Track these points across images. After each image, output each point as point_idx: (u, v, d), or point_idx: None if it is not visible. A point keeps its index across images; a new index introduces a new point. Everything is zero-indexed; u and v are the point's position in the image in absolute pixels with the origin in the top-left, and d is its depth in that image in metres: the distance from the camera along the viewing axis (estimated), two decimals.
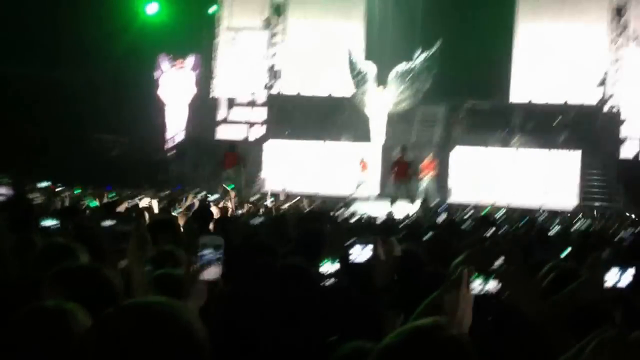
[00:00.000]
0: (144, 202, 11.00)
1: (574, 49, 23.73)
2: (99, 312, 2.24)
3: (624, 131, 23.64)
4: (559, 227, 12.00)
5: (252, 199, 17.25)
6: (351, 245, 3.93)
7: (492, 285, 2.72)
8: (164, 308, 1.70)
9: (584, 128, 22.53)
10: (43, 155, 19.63)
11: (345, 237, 5.50)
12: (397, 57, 22.72)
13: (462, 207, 16.81)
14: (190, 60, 26.43)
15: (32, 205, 8.08)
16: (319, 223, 7.93)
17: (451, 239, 6.28)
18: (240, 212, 11.78)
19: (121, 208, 9.14)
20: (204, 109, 26.31)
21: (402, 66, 22.43)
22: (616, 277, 3.27)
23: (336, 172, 22.11)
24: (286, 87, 25.44)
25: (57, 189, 14.57)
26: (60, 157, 19.97)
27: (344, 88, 23.54)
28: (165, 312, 1.69)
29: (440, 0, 23.62)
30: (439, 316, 2.30)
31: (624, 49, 23.91)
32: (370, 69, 22.51)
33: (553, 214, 17.30)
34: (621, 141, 23.56)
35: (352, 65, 22.79)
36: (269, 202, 16.35)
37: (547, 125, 22.77)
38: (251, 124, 25.93)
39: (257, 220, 8.00)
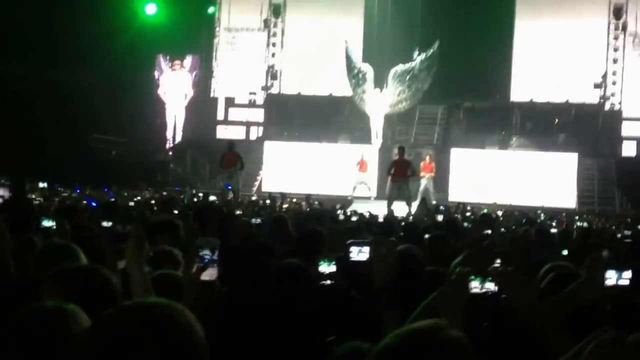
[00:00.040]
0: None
1: (573, 49, 23.76)
2: (98, 313, 2.24)
3: (623, 130, 23.67)
4: (558, 227, 12.00)
5: (251, 199, 17.25)
6: (349, 246, 3.93)
7: (491, 286, 2.72)
8: (162, 310, 1.70)
9: (583, 127, 22.55)
10: (41, 156, 19.63)
11: (344, 237, 5.51)
12: (396, 57, 22.73)
13: (461, 208, 16.77)
14: (188, 61, 26.43)
15: (32, 206, 8.08)
16: (318, 223, 7.93)
17: (450, 238, 6.28)
18: (238, 212, 11.76)
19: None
20: (202, 109, 26.32)
21: (401, 66, 22.44)
22: (615, 277, 3.28)
23: (335, 172, 22.11)
24: (285, 87, 25.45)
25: (56, 189, 14.59)
26: (59, 157, 19.97)
27: (342, 88, 23.55)
28: (164, 314, 1.69)
29: (439, 1, 23.62)
30: (438, 318, 2.30)
31: (624, 48, 23.92)
32: (368, 69, 22.51)
33: (552, 214, 17.31)
34: (621, 140, 23.58)
35: (349, 64, 22.78)
36: (267, 202, 16.34)
37: (546, 125, 22.79)
38: (250, 124, 25.94)
39: (256, 221, 7.98)
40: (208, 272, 3.02)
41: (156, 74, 26.41)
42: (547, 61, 23.89)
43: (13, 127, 20.41)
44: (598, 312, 2.98)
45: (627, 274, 3.31)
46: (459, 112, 23.63)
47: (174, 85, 26.43)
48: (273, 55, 25.93)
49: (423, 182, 20.37)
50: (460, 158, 21.96)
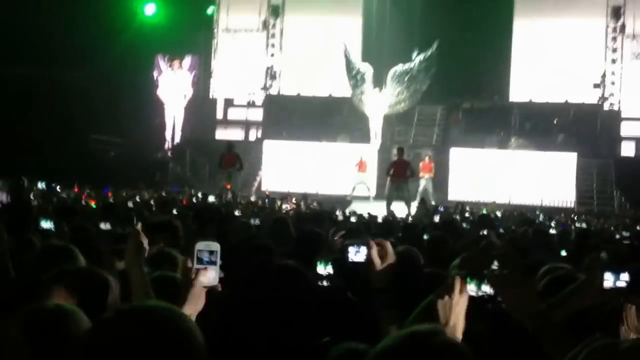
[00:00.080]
0: None
1: (572, 49, 23.77)
2: (96, 315, 2.24)
3: (623, 131, 23.69)
4: (557, 227, 12.00)
5: (250, 199, 17.25)
6: (347, 246, 3.94)
7: (487, 289, 2.72)
8: (161, 313, 1.71)
9: (582, 128, 22.56)
10: (40, 156, 19.60)
11: (343, 237, 5.51)
12: (395, 57, 22.74)
13: (460, 208, 16.79)
14: (187, 61, 26.43)
15: (30, 207, 8.08)
16: (317, 224, 7.93)
17: (449, 239, 6.28)
18: (237, 212, 11.76)
19: None
20: (202, 109, 26.32)
21: (400, 67, 22.45)
22: (614, 279, 3.28)
23: (334, 172, 22.11)
24: (284, 87, 25.45)
25: (56, 189, 14.58)
26: (57, 157, 19.94)
27: (341, 89, 23.56)
28: (163, 317, 1.69)
29: (438, 1, 23.63)
30: (435, 321, 2.31)
31: (623, 48, 23.93)
32: (367, 69, 22.53)
33: (551, 214, 17.32)
34: (620, 140, 23.60)
35: (348, 65, 22.81)
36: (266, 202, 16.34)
37: (545, 125, 22.80)
38: (249, 125, 25.94)
39: (255, 221, 7.99)
40: (210, 276, 3.02)
41: (155, 74, 26.41)
42: (546, 62, 23.90)
43: (11, 127, 20.38)
44: (596, 314, 2.99)
45: (625, 276, 3.31)
46: (458, 113, 23.64)
47: (173, 85, 26.43)
48: (272, 55, 25.93)
49: (422, 183, 20.38)
50: (460, 158, 21.97)
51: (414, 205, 17.55)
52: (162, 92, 26.42)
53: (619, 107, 23.78)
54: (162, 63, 26.37)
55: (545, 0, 24.23)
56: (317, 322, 3.04)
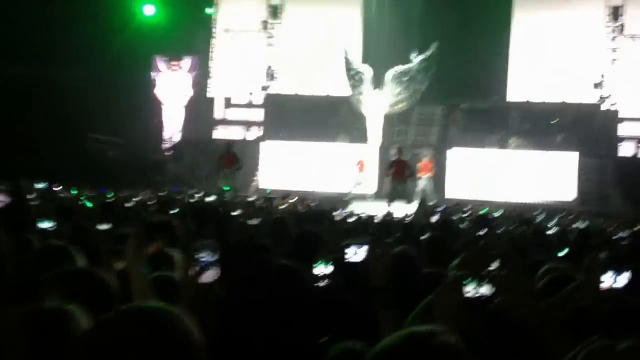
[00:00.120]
0: None
1: (571, 50, 23.78)
2: (95, 315, 2.24)
3: (622, 131, 23.69)
4: (557, 227, 12.00)
5: (249, 199, 17.23)
6: (347, 246, 3.94)
7: (487, 289, 2.72)
8: (161, 314, 1.71)
9: (581, 128, 22.56)
10: (38, 156, 19.60)
11: (342, 237, 5.52)
12: (394, 58, 22.74)
13: (460, 208, 16.80)
14: (188, 61, 26.43)
15: (30, 207, 8.07)
16: (316, 224, 7.94)
17: (447, 239, 6.29)
18: (235, 213, 11.75)
19: None
20: (201, 110, 26.31)
21: (400, 67, 22.47)
22: (613, 279, 3.28)
23: (333, 173, 22.12)
24: (283, 87, 25.44)
25: (55, 190, 14.56)
26: (56, 157, 19.93)
27: (341, 89, 23.57)
28: (162, 318, 1.69)
29: (437, 1, 23.63)
30: (434, 321, 2.31)
31: (622, 48, 23.94)
32: (366, 71, 22.55)
33: (551, 214, 17.30)
34: (619, 141, 23.60)
35: (348, 67, 22.84)
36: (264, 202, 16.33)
37: (544, 126, 22.80)
38: (248, 125, 25.94)
39: (254, 221, 7.99)
40: (207, 275, 3.03)
41: (154, 74, 26.40)
42: (546, 62, 23.91)
43: (9, 127, 20.37)
44: (595, 314, 2.99)
45: (625, 276, 3.31)
46: (458, 113, 23.65)
47: (172, 85, 26.43)
48: (271, 56, 25.93)
49: (422, 183, 20.39)
50: (459, 158, 21.98)
51: (414, 205, 17.56)
52: (160, 93, 26.41)
53: (619, 108, 23.76)
54: (161, 64, 26.36)
55: (544, 1, 24.23)
56: (316, 322, 3.04)
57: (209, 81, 26.37)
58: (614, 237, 9.74)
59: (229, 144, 20.92)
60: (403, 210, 16.32)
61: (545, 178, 21.37)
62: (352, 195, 20.54)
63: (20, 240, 4.34)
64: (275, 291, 3.11)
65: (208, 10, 26.27)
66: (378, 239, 5.51)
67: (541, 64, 23.87)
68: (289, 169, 22.42)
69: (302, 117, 23.38)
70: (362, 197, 20.51)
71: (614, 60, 23.93)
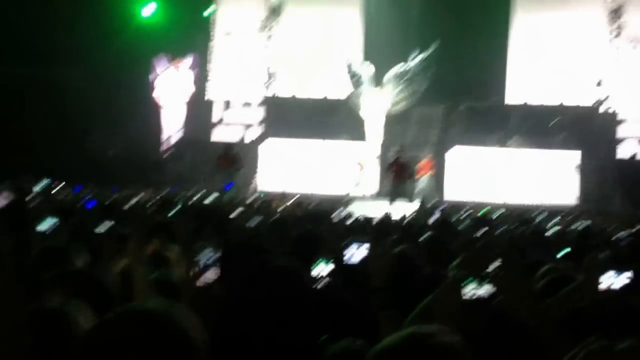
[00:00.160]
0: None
1: (570, 50, 23.77)
2: (95, 315, 2.25)
3: (621, 132, 23.68)
4: (557, 227, 12.01)
5: (247, 200, 17.23)
6: (346, 246, 3.95)
7: (486, 289, 2.73)
8: (162, 313, 1.71)
9: (581, 129, 22.55)
10: (37, 156, 19.59)
11: (340, 237, 5.52)
12: (394, 58, 22.75)
13: (459, 208, 16.82)
14: (189, 60, 26.41)
15: (29, 207, 8.08)
16: (316, 224, 7.94)
17: (446, 239, 6.29)
18: (235, 213, 11.75)
19: None
20: (201, 110, 26.30)
21: (399, 67, 22.48)
22: (613, 279, 3.28)
23: (333, 173, 22.13)
24: (283, 88, 25.42)
25: (55, 189, 14.58)
26: (56, 157, 19.93)
27: (341, 89, 23.56)
28: (164, 318, 1.69)
29: (437, 2, 23.63)
30: (434, 321, 2.31)
31: (622, 49, 23.93)
32: (367, 70, 22.56)
33: (551, 214, 17.31)
34: (618, 142, 23.59)
35: (348, 67, 22.87)
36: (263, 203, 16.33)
37: (543, 127, 22.79)
38: (247, 125, 25.93)
39: (254, 222, 7.98)
40: (206, 275, 3.04)
41: (154, 74, 26.38)
42: (545, 63, 23.90)
43: (8, 127, 20.36)
44: (595, 314, 2.99)
45: (625, 276, 3.32)
46: (457, 113, 23.64)
47: (173, 85, 26.40)
48: (270, 56, 25.91)
49: (422, 183, 20.41)
50: (459, 158, 21.99)
51: (414, 205, 17.59)
52: (161, 92, 26.39)
53: (619, 108, 23.74)
54: (162, 62, 26.34)
55: (544, 2, 24.23)
56: (315, 322, 3.04)
57: (208, 83, 26.35)
58: (614, 237, 9.74)
59: (229, 144, 20.92)
60: (403, 210, 16.33)
61: (545, 178, 21.38)
62: (351, 195, 20.55)
63: (20, 240, 4.34)
64: (274, 291, 3.11)
65: (206, 12, 26.24)
66: (377, 238, 5.52)
67: (541, 64, 23.86)
68: (288, 170, 22.43)
69: (302, 117, 23.37)
70: (361, 197, 20.53)
71: (614, 61, 23.91)
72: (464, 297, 2.69)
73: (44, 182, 14.92)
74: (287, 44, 25.63)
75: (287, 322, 2.97)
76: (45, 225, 5.27)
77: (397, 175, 19.33)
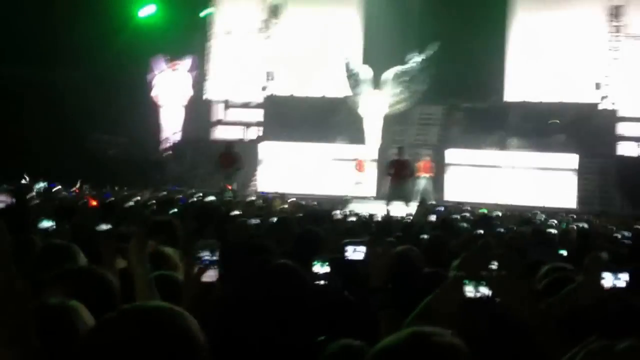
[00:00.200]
0: None
1: (570, 49, 23.77)
2: (97, 314, 2.25)
3: (621, 131, 23.68)
4: (557, 227, 12.01)
5: (247, 199, 17.23)
6: (346, 245, 3.95)
7: (486, 289, 2.73)
8: (163, 313, 1.71)
9: (581, 128, 22.55)
10: (37, 156, 19.58)
11: (341, 237, 5.52)
12: (393, 58, 22.76)
13: (459, 208, 16.82)
14: (187, 61, 26.42)
15: (30, 206, 8.08)
16: (316, 223, 7.94)
17: (446, 239, 6.30)
18: (236, 212, 11.75)
19: None
20: (201, 110, 26.31)
21: (399, 67, 22.49)
22: (613, 279, 3.29)
23: (332, 174, 22.14)
24: (282, 88, 25.43)
25: (55, 189, 14.56)
26: (56, 157, 19.92)
27: (340, 90, 23.58)
28: (164, 317, 1.70)
29: (436, 2, 23.63)
30: (434, 321, 2.31)
31: (622, 48, 23.93)
32: (366, 72, 22.58)
33: (551, 214, 17.31)
34: (618, 140, 23.59)
35: (347, 67, 22.89)
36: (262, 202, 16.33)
37: (543, 126, 22.79)
38: (247, 125, 25.94)
39: (253, 222, 7.99)
40: (208, 274, 3.04)
41: (153, 74, 26.39)
42: (544, 62, 23.91)
43: (7, 127, 20.35)
44: (595, 314, 2.99)
45: (625, 276, 3.32)
46: (457, 113, 23.65)
47: (172, 85, 26.42)
48: (270, 56, 25.91)
49: (422, 183, 20.41)
50: (459, 158, 21.99)
51: (414, 205, 17.58)
52: (159, 93, 26.40)
53: (619, 107, 23.74)
54: (160, 63, 26.35)
55: (543, 0, 24.24)
56: (314, 322, 3.05)
57: (206, 83, 26.36)
58: (614, 237, 9.75)
59: (229, 144, 20.89)
60: (402, 210, 16.34)
61: (545, 179, 21.38)
62: (351, 195, 20.55)
63: (21, 240, 4.34)
64: (273, 290, 3.12)
65: (204, 13, 26.24)
66: (377, 238, 5.52)
67: (540, 63, 23.86)
68: (288, 170, 22.43)
69: (301, 117, 23.36)
70: (361, 197, 20.53)
71: (614, 59, 23.91)
72: (464, 298, 2.69)
73: (43, 182, 14.90)
74: (286, 44, 25.64)
75: (286, 321, 2.97)
76: (46, 224, 5.28)
77: (396, 176, 19.32)
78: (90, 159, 22.19)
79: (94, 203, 10.54)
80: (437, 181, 21.19)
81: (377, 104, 22.40)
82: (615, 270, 3.34)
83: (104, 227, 4.53)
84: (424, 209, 14.76)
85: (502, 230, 9.51)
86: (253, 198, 17.57)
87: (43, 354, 1.78)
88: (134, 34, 24.09)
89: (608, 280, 3.21)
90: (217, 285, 3.17)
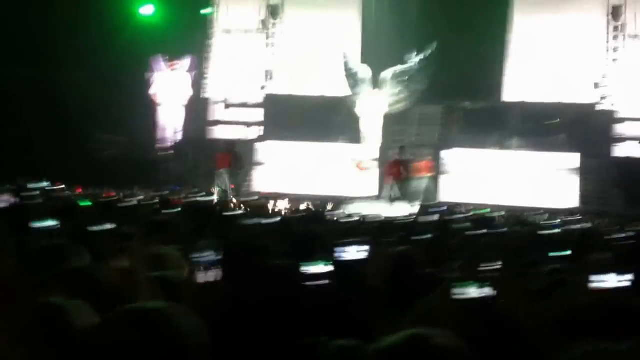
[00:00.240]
0: None
1: (570, 49, 23.76)
2: (96, 314, 2.26)
3: (620, 131, 23.68)
4: (557, 227, 12.01)
5: (246, 199, 17.25)
6: (344, 246, 3.96)
7: (485, 291, 2.74)
8: (161, 314, 1.72)
9: (580, 128, 22.55)
10: (38, 156, 19.59)
11: (340, 238, 5.53)
12: (393, 58, 22.76)
13: (459, 209, 16.82)
14: (187, 61, 26.41)
15: (30, 206, 8.08)
16: (316, 224, 7.95)
17: (446, 239, 6.30)
18: (235, 212, 11.76)
19: None
20: (200, 109, 26.30)
21: (398, 67, 22.49)
22: (612, 279, 3.29)
23: (332, 174, 22.13)
24: (281, 88, 25.43)
25: (54, 189, 14.55)
26: (56, 157, 19.93)
27: (340, 89, 23.57)
28: (162, 319, 1.70)
29: (435, 2, 23.62)
30: (433, 322, 2.32)
31: (622, 48, 23.93)
32: (365, 71, 22.57)
33: (551, 215, 17.32)
34: (621, 140, 23.58)
35: (347, 67, 22.88)
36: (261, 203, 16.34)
37: (541, 126, 22.79)
38: (246, 125, 25.92)
39: (252, 222, 7.98)
40: (208, 275, 3.05)
41: (153, 74, 26.37)
42: (544, 62, 23.90)
43: (8, 127, 20.35)
44: (593, 314, 3.00)
45: (624, 277, 3.33)
46: (457, 113, 23.65)
47: (172, 85, 26.40)
48: (271, 55, 25.91)
49: (422, 183, 20.41)
50: (459, 158, 21.99)
51: (413, 205, 17.60)
52: (159, 92, 26.38)
53: (619, 107, 23.74)
54: (161, 63, 26.34)
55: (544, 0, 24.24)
56: (310, 322, 3.05)
57: (206, 81, 26.35)
58: (614, 237, 9.74)
59: (229, 144, 20.88)
60: (403, 210, 16.35)
61: (545, 179, 21.38)
62: (351, 195, 20.55)
63: (20, 240, 4.35)
64: (270, 291, 3.12)
65: (204, 11, 26.23)
66: (376, 239, 5.53)
67: (539, 63, 23.86)
68: (287, 170, 22.43)
69: (300, 117, 23.36)
70: (361, 197, 20.53)
71: (614, 60, 23.91)
72: (463, 298, 2.70)
73: (44, 183, 14.90)
74: (285, 43, 25.64)
75: (282, 322, 2.97)
76: (45, 224, 5.28)
77: (396, 176, 19.32)
78: (90, 158, 22.20)
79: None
80: (437, 181, 21.19)
81: (376, 104, 22.40)
82: (614, 271, 3.34)
83: (106, 226, 4.53)
84: (424, 209, 14.77)
85: (501, 230, 9.51)
86: (253, 198, 17.59)
87: (45, 353, 1.79)
88: (134, 33, 24.08)
89: (607, 280, 3.21)
90: (218, 286, 3.18)
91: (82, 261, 3.51)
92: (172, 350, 1.66)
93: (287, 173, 22.36)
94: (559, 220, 15.23)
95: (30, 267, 3.56)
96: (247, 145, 23.72)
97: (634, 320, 2.94)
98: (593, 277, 3.13)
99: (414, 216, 13.21)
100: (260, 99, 25.59)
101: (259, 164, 23.01)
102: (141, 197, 13.72)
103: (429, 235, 6.78)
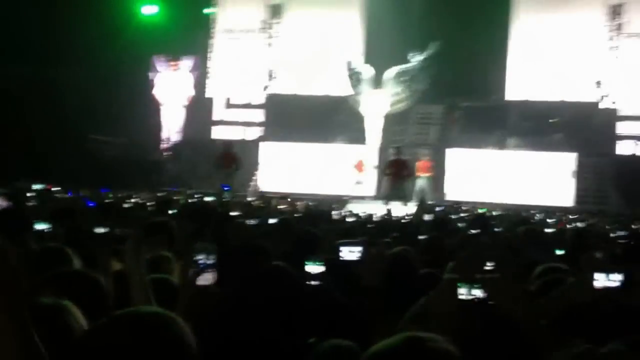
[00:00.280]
0: None
1: (570, 48, 23.77)
2: (90, 317, 2.26)
3: (621, 129, 23.69)
4: (554, 227, 12.01)
5: (247, 200, 17.24)
6: (341, 246, 3.95)
7: (481, 291, 2.74)
8: (155, 319, 1.72)
9: (580, 126, 22.55)
10: (36, 156, 19.57)
11: (338, 237, 5.53)
12: (394, 58, 22.75)
13: (458, 208, 16.82)
14: (188, 61, 26.40)
15: (27, 208, 8.07)
16: (315, 224, 7.95)
17: (444, 239, 6.30)
18: (234, 213, 11.74)
19: None
20: (200, 110, 26.29)
21: (399, 67, 22.50)
22: (608, 278, 3.29)
23: (332, 173, 22.13)
24: (283, 87, 25.42)
25: (52, 191, 14.55)
26: (55, 158, 19.91)
27: (341, 89, 23.58)
28: (156, 324, 1.71)
29: (437, 2, 23.62)
30: (430, 323, 2.32)
31: (621, 47, 23.93)
32: (368, 71, 22.58)
33: (548, 214, 17.33)
34: (619, 139, 23.59)
35: (348, 67, 22.89)
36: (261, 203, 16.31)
37: (543, 124, 22.79)
38: (247, 125, 25.92)
39: (252, 222, 7.98)
40: (205, 277, 3.04)
41: (152, 74, 26.36)
42: (545, 61, 23.92)
43: (7, 127, 20.33)
44: (589, 314, 3.00)
45: (619, 276, 3.33)
46: (457, 112, 23.65)
47: (172, 85, 26.39)
48: (271, 56, 25.91)
49: (420, 182, 20.39)
50: (458, 158, 21.99)
51: (412, 205, 17.58)
52: (159, 93, 26.38)
53: (618, 106, 23.75)
54: (161, 63, 26.33)
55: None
56: (306, 323, 3.05)
57: (208, 81, 26.35)
58: (611, 236, 9.75)
59: (228, 144, 20.88)
60: (401, 210, 16.34)
61: (544, 178, 21.38)
62: (350, 195, 20.54)
63: (17, 242, 4.34)
64: (267, 292, 3.12)
65: (206, 10, 26.23)
66: (373, 238, 5.53)
67: (540, 62, 23.87)
68: (288, 170, 22.42)
69: (302, 117, 23.35)
70: (360, 197, 20.52)
71: (614, 58, 23.92)
72: (460, 299, 2.70)
73: (41, 184, 14.89)
74: (287, 44, 25.64)
75: (278, 323, 2.98)
76: (43, 226, 5.27)
77: (394, 176, 19.32)
78: (89, 159, 22.18)
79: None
80: (437, 181, 21.18)
81: (378, 104, 22.40)
82: (610, 270, 3.34)
83: (101, 230, 4.52)
84: (423, 209, 14.76)
85: (498, 229, 9.51)
86: (253, 198, 17.58)
87: (45, 355, 1.79)
88: (136, 33, 24.07)
89: (602, 280, 3.21)
90: (214, 289, 3.17)
91: (72, 265, 3.52)
92: (167, 356, 1.66)
93: (287, 172, 22.36)
94: (555, 219, 15.26)
95: (27, 268, 3.56)
96: (248, 145, 23.73)
97: (629, 319, 2.95)
98: (588, 277, 3.13)
99: (412, 216, 13.20)
100: (262, 99, 25.59)
101: (261, 164, 23.00)
102: (140, 199, 13.69)
103: (427, 235, 6.78)
